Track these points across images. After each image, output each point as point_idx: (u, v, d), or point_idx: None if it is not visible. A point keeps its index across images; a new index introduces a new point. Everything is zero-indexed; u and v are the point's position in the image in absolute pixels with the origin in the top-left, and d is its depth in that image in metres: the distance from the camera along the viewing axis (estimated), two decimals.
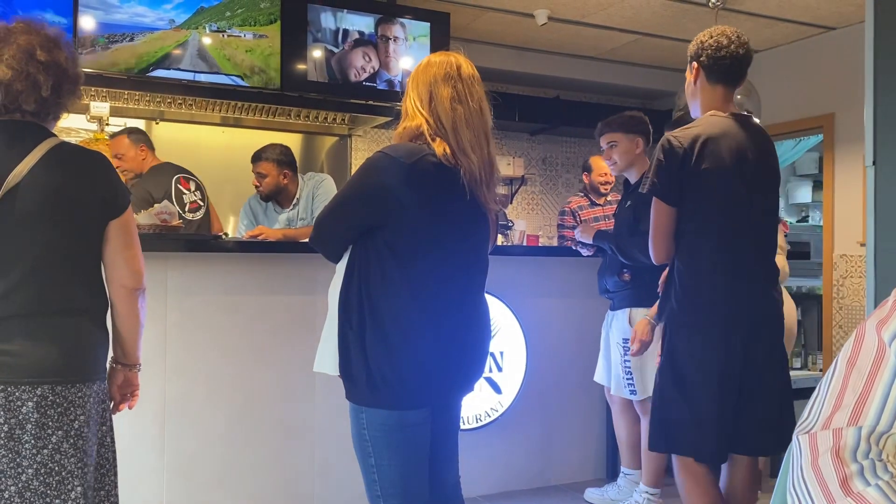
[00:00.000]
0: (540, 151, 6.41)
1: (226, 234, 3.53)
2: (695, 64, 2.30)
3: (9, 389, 1.58)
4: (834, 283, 4.97)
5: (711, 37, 2.26)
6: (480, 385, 3.34)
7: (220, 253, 2.89)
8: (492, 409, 3.39)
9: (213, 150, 4.76)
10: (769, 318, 2.20)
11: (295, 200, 3.81)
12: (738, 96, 4.53)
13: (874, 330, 1.01)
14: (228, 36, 4.16)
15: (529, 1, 4.77)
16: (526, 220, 5.92)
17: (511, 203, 6.06)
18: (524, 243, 3.99)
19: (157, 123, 4.70)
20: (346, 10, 4.41)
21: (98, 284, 1.77)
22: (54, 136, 1.73)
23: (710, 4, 4.68)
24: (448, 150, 1.76)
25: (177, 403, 2.83)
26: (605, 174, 4.41)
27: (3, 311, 1.61)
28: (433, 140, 1.76)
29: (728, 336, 2.13)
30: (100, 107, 4.06)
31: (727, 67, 2.23)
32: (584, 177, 4.70)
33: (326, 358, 1.82)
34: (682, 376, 2.17)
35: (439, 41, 4.65)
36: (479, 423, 3.36)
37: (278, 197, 3.81)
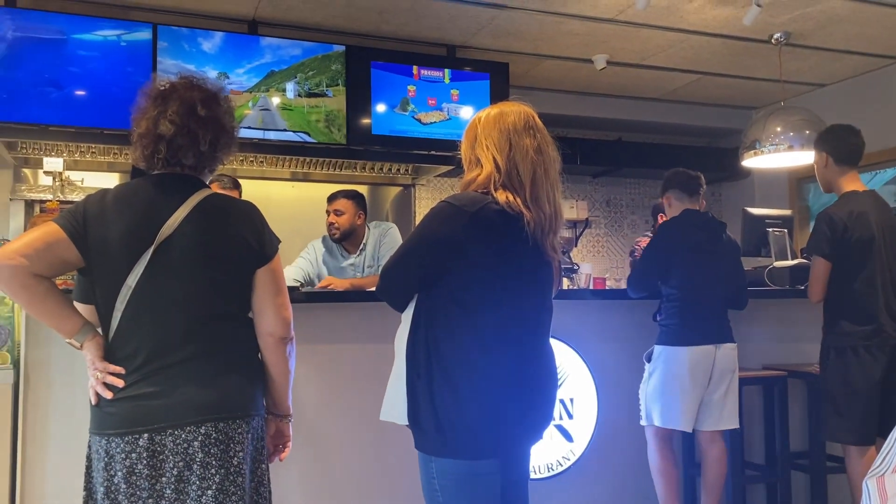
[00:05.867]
0: (603, 193, 6.38)
1: (301, 285, 3.59)
2: (824, 153, 3.10)
3: (176, 433, 1.62)
4: None
5: (832, 131, 3.13)
6: (551, 433, 3.29)
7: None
8: (563, 457, 3.33)
9: (284, 204, 4.91)
10: None
11: (362, 246, 3.86)
12: (808, 131, 4.44)
13: None
14: (297, 96, 4.34)
15: (587, 47, 4.82)
16: (592, 262, 5.87)
17: (576, 246, 6.02)
18: (591, 286, 3.95)
19: None
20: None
21: (250, 330, 1.78)
22: (207, 187, 1.79)
23: (772, 41, 4.63)
24: (511, 198, 1.76)
25: None
26: None
27: (164, 358, 1.65)
28: (496, 190, 1.78)
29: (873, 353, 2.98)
30: None
31: (850, 153, 3.08)
32: (659, 217, 4.63)
33: (394, 407, 1.82)
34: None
35: (499, 90, 4.73)
36: (551, 473, 3.30)
37: (349, 239, 3.85)
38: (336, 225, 3.77)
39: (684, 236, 3.14)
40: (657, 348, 3.15)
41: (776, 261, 3.81)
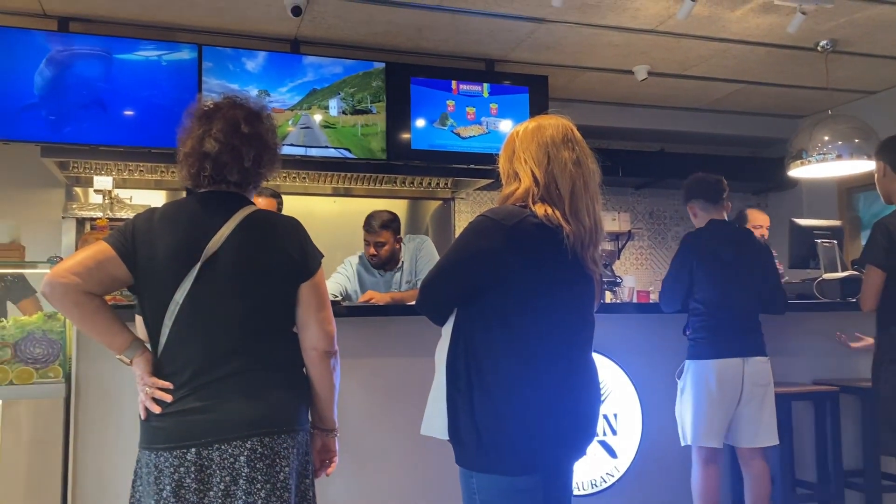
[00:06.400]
0: (646, 205, 6.30)
1: (341, 300, 3.61)
2: (882, 162, 3.02)
3: (223, 447, 1.64)
4: None
5: (892, 141, 3.03)
6: (594, 449, 3.25)
7: None
8: (608, 473, 3.28)
9: (326, 219, 4.97)
10: None
11: (400, 263, 3.88)
12: (857, 140, 4.34)
13: None
14: (341, 113, 4.40)
15: (628, 58, 4.78)
16: (635, 275, 5.79)
17: (619, 259, 5.95)
18: (634, 300, 3.90)
19: None
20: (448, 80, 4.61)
21: (294, 345, 1.80)
22: (251, 203, 1.82)
23: (818, 49, 4.54)
24: (550, 211, 1.76)
25: None
26: (761, 226, 4.27)
27: (211, 373, 1.68)
28: (534, 203, 1.77)
29: None
30: None
31: None
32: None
33: (435, 421, 1.81)
34: None
35: (538, 103, 4.73)
36: (595, 489, 3.25)
37: (389, 263, 3.89)
38: (378, 256, 3.79)
39: (706, 249, 3.09)
40: (686, 363, 3.10)
41: (825, 272, 3.71)
